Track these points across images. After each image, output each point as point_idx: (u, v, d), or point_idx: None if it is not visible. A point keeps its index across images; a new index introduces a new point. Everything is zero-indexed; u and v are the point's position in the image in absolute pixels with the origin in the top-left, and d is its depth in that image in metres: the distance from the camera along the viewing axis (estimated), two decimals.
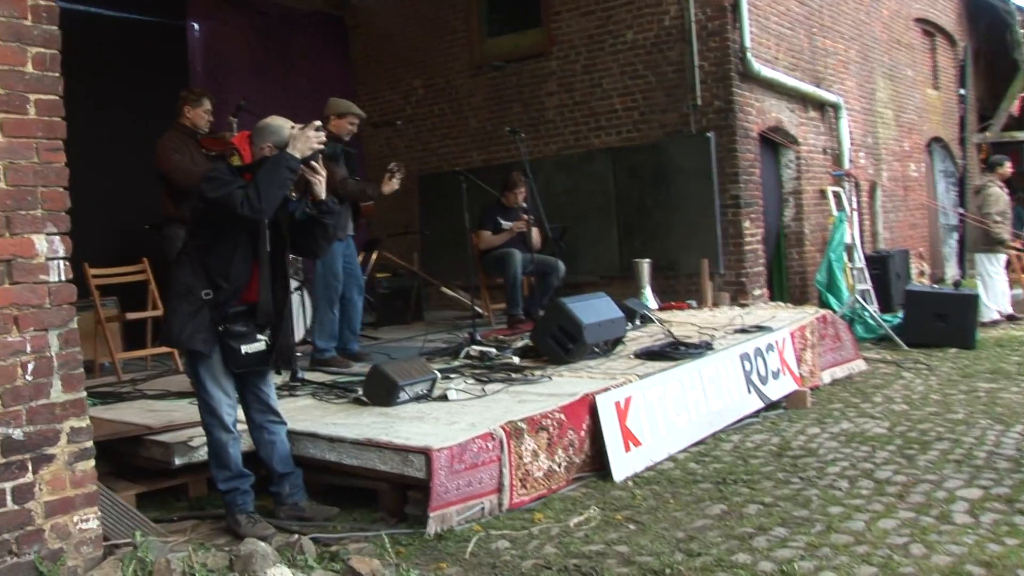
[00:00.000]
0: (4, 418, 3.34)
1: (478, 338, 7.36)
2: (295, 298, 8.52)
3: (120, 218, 8.67)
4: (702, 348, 6.33)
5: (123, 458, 4.95)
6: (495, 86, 11.28)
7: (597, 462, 5.00)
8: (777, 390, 6.64)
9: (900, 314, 9.85)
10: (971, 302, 9.27)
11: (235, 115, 6.31)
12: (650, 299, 9.38)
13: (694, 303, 9.32)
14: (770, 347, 6.79)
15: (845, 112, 11.65)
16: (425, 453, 4.10)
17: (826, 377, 7.55)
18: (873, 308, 9.99)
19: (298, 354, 7.81)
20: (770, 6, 10.20)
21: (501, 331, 8.54)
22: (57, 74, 3.51)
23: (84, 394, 3.61)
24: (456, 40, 11.61)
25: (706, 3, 9.48)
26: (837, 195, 10.98)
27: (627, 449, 5.03)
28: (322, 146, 4.04)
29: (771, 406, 6.53)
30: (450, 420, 4.68)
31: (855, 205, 11.19)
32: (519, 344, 6.93)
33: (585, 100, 10.48)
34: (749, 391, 6.36)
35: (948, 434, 5.59)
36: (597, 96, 10.37)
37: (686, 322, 8.04)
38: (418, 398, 5.26)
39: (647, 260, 9.51)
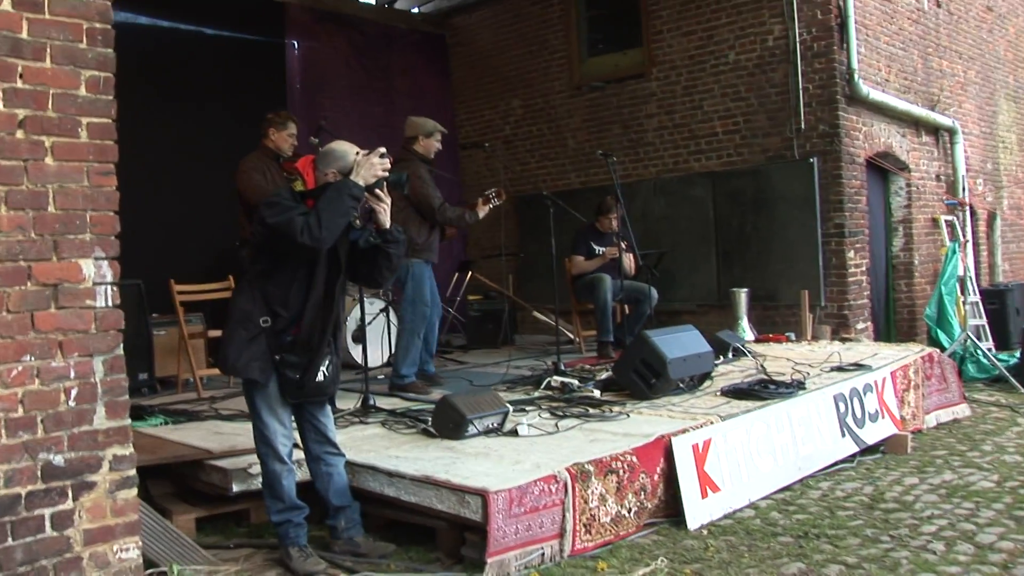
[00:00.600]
0: (45, 444, 3.28)
1: (562, 367, 7.17)
2: (380, 320, 8.47)
3: (210, 235, 8.76)
4: (793, 387, 5.98)
5: (185, 480, 4.91)
6: (594, 107, 11.08)
7: (671, 507, 4.73)
8: (874, 434, 6.24)
9: (1018, 353, 9.24)
10: None
11: (316, 135, 6.25)
12: (747, 330, 9.03)
13: (792, 336, 8.93)
14: (868, 387, 6.40)
15: (961, 137, 11.09)
16: (482, 495, 3.90)
17: (931, 421, 7.10)
18: (987, 346, 9.43)
19: (380, 377, 7.84)
20: (880, 25, 9.77)
21: (590, 359, 8.33)
22: (110, 97, 3.45)
23: (128, 421, 3.53)
24: (556, 60, 11.46)
25: (812, 23, 9.12)
26: (950, 224, 10.41)
27: (704, 495, 4.75)
28: (386, 173, 3.91)
29: (868, 450, 6.14)
30: (515, 459, 4.47)
31: (970, 235, 10.59)
32: (603, 376, 6.70)
33: (685, 122, 10.20)
34: (843, 434, 5.99)
35: None
36: (698, 119, 10.09)
37: (781, 356, 7.68)
38: (487, 432, 5.08)
39: (745, 290, 9.17)
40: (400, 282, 7.03)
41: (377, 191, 3.91)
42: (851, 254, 9.08)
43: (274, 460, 4.10)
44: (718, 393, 6.07)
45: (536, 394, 6.43)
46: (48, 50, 3.29)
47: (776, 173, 9.42)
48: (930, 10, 10.91)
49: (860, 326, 9.13)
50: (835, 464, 5.80)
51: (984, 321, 9.93)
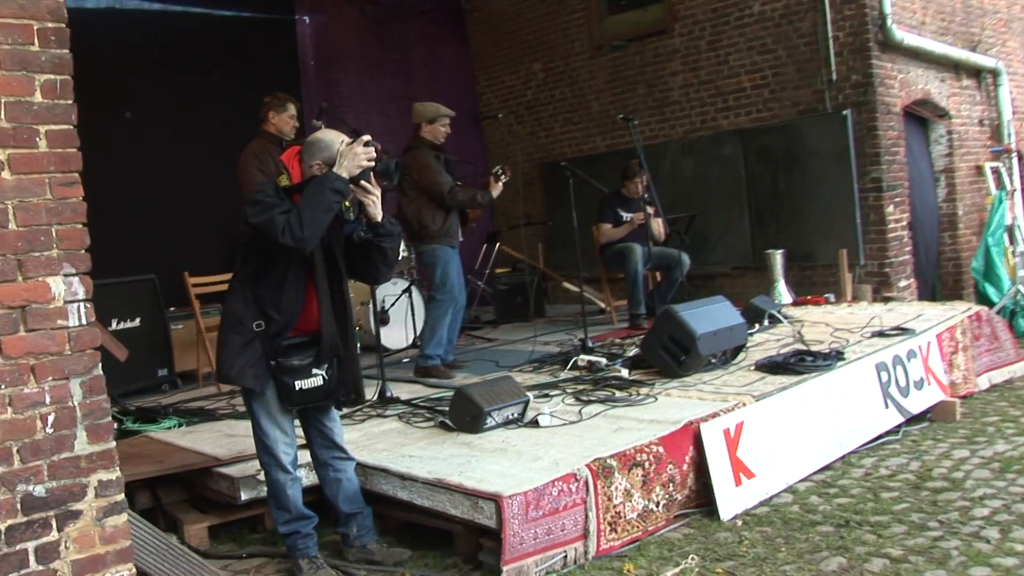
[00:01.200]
0: (23, 474, 3.07)
1: (590, 344, 6.90)
2: (403, 301, 8.24)
3: (225, 224, 8.51)
4: (832, 358, 5.66)
5: (196, 487, 4.73)
6: (616, 67, 10.70)
7: (703, 496, 4.46)
8: (920, 402, 5.92)
9: None
10: None
11: (319, 118, 5.99)
12: (783, 293, 8.69)
13: (832, 297, 8.57)
14: (912, 353, 6.06)
15: (1006, 78, 10.56)
16: (495, 500, 3.66)
17: (983, 383, 6.75)
18: None
19: (405, 360, 7.63)
20: None
21: (622, 331, 8.06)
22: (70, 101, 3.18)
23: (113, 444, 3.31)
24: (575, 20, 11.07)
25: None
26: (996, 172, 9.96)
27: (738, 483, 4.47)
28: (372, 163, 3.62)
29: (914, 419, 5.82)
30: (534, 454, 4.22)
31: (1018, 183, 10.10)
32: (631, 353, 6.43)
33: (711, 79, 9.80)
34: (886, 405, 5.68)
35: None
36: (724, 74, 9.68)
37: (820, 321, 7.34)
38: (507, 423, 4.83)
39: (780, 251, 8.81)
40: (428, 268, 6.87)
41: (363, 183, 3.62)
42: (890, 209, 8.67)
43: (277, 470, 3.89)
44: (752, 368, 5.77)
45: (563, 375, 6.18)
46: None
47: (808, 127, 9.02)
48: None
49: (902, 284, 8.74)
50: (879, 438, 5.49)
51: None
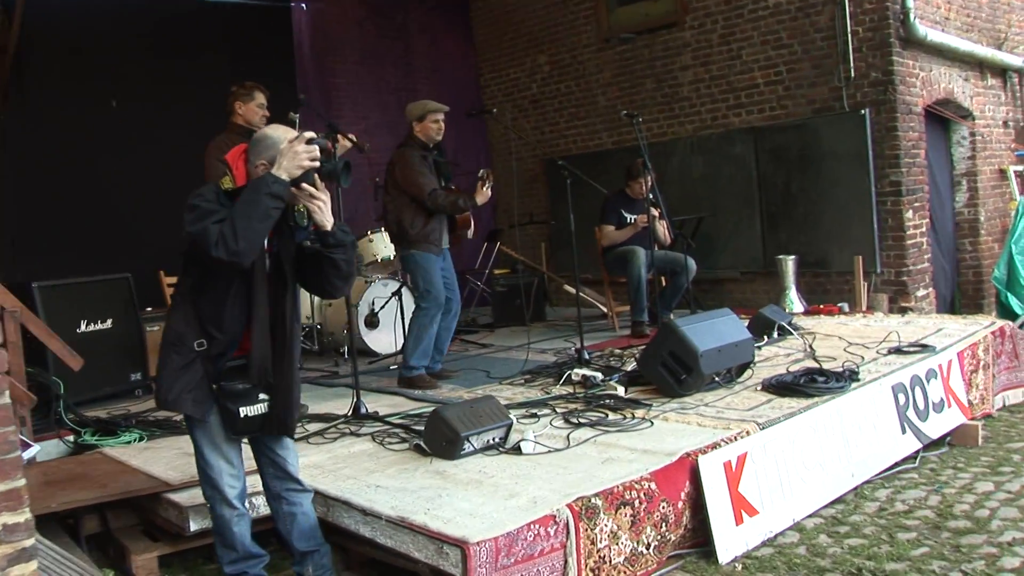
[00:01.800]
0: None
1: (586, 356, 6.48)
2: (392, 304, 7.84)
3: None
4: (845, 379, 5.22)
5: (146, 513, 4.35)
6: (624, 60, 10.27)
7: (699, 534, 4.03)
8: (939, 426, 5.48)
9: None
10: None
11: (296, 112, 5.58)
12: (795, 301, 8.27)
13: (845, 306, 8.12)
14: (932, 373, 5.62)
15: None
16: (461, 547, 3.24)
17: (997, 402, 6.31)
18: None
19: (392, 367, 7.21)
20: None
21: (622, 340, 7.64)
22: None
23: (21, 483, 2.89)
24: (582, 11, 10.64)
25: None
26: (1021, 175, 9.48)
27: (738, 521, 4.05)
28: (315, 163, 3.18)
29: (931, 443, 5.38)
30: (511, 490, 3.80)
31: None
32: (629, 368, 6.01)
33: (723, 74, 9.36)
34: (903, 430, 5.23)
35: None
36: (736, 69, 9.24)
37: (833, 334, 6.90)
38: (487, 448, 4.42)
39: (792, 257, 8.39)
40: (410, 274, 6.50)
41: (305, 186, 3.18)
42: (909, 214, 8.22)
43: (222, 505, 3.47)
44: (758, 387, 5.33)
45: (555, 390, 5.76)
46: None
47: (824, 127, 8.57)
48: None
49: (920, 293, 8.30)
50: (894, 466, 5.06)
51: None
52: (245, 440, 3.52)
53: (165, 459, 4.64)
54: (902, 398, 5.30)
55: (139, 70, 8.67)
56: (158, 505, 4.19)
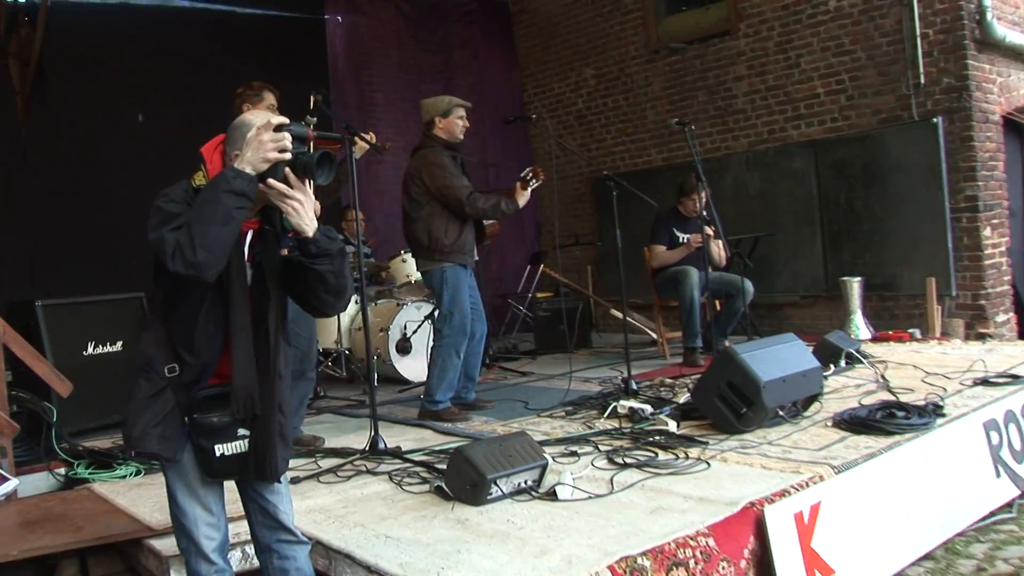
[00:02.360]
0: None
1: (633, 387, 5.90)
2: (426, 328, 7.32)
3: None
4: (929, 415, 4.58)
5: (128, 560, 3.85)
6: (675, 72, 9.74)
7: None
8: None
9: None
10: None
11: (312, 113, 5.10)
12: (861, 327, 7.63)
13: (917, 333, 7.45)
14: None
15: None
16: None
17: None
18: None
19: (423, 396, 6.67)
20: None
21: (673, 369, 7.04)
22: None
23: None
24: (630, 21, 10.14)
25: None
26: None
27: None
28: (285, 155, 2.63)
29: None
30: (542, 545, 3.22)
31: None
32: (682, 399, 5.41)
33: (780, 84, 8.79)
34: (998, 474, 4.57)
35: None
36: (794, 79, 8.67)
37: (907, 362, 6.26)
38: (518, 492, 3.85)
39: (858, 279, 7.75)
40: (434, 293, 5.89)
41: (271, 181, 2.61)
42: (987, 231, 7.55)
43: (198, 559, 2.92)
44: (829, 423, 4.71)
45: (599, 423, 5.19)
46: None
47: (891, 138, 7.95)
48: None
49: (1000, 318, 7.61)
50: (989, 515, 4.40)
51: None
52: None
53: (154, 498, 4.11)
54: (995, 436, 4.65)
55: (166, 84, 8.32)
56: (139, 552, 3.69)
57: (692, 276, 7.32)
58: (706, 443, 4.49)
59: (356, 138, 5.22)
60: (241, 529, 3.21)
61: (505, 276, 10.99)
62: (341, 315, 7.56)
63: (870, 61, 8.07)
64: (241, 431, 2.78)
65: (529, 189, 5.74)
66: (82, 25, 8.08)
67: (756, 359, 4.69)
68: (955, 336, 7.37)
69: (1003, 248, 7.74)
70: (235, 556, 3.48)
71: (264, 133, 2.60)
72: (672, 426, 4.84)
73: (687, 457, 4.26)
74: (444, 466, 4.11)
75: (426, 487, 4.09)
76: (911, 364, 6.19)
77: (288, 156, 2.58)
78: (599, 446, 4.61)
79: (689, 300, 7.31)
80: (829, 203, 8.44)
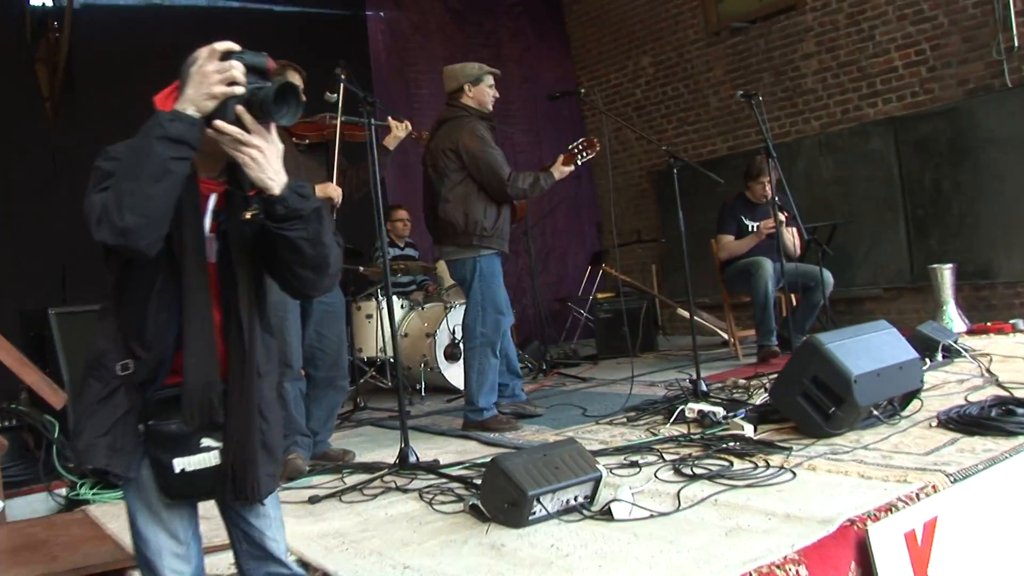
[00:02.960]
0: None
1: (703, 388, 5.28)
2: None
3: None
4: None
5: None
6: (737, 54, 9.14)
7: None
8: None
9: None
10: None
11: (333, 90, 4.60)
12: (955, 319, 6.90)
13: (1020, 323, 6.72)
14: None
15: None
16: None
17: None
18: None
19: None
20: None
21: (747, 369, 6.41)
22: None
23: None
24: (687, 3, 9.67)
25: None
26: None
27: None
28: (237, 89, 2.04)
29: None
30: None
31: None
32: (759, 400, 4.79)
33: (853, 59, 8.18)
34: None
35: None
36: (869, 53, 8.06)
37: (1013, 355, 5.56)
38: (566, 510, 3.26)
39: (949, 266, 7.03)
40: (464, 284, 5.29)
41: (218, 123, 2.00)
42: None
43: None
44: (933, 424, 4.05)
45: (664, 430, 4.58)
46: None
47: (980, 110, 7.30)
48: None
49: None
50: None
51: None
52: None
53: None
54: None
55: None
56: None
57: (766, 267, 6.71)
58: (789, 449, 3.85)
59: (389, 121, 4.70)
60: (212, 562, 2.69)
61: (565, 279, 10.46)
62: (384, 321, 7.07)
63: (953, 27, 7.42)
64: (207, 442, 2.22)
65: (574, 164, 5.19)
66: (110, 28, 7.84)
67: (844, 350, 4.05)
68: None
69: None
70: None
71: (209, 64, 2.05)
72: (749, 430, 4.21)
73: (767, 466, 3.63)
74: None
75: (460, 506, 3.52)
76: (1019, 356, 5.49)
77: (240, 91, 2.01)
78: (664, 455, 4.01)
79: (763, 294, 6.70)
80: (912, 185, 7.78)
